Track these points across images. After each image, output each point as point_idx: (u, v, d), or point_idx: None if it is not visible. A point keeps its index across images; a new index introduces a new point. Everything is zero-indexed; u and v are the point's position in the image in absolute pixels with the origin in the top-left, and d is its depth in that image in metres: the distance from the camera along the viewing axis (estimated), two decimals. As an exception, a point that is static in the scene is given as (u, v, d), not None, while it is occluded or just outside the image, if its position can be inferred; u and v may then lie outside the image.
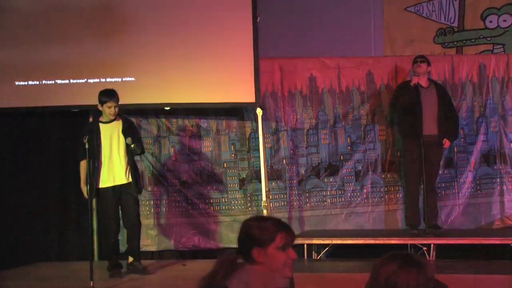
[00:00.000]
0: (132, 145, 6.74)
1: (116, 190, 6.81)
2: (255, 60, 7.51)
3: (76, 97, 7.77)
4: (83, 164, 6.75)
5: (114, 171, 6.77)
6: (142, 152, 7.07)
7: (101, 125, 6.81)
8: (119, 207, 6.91)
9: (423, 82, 7.50)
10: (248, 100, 7.60)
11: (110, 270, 6.89)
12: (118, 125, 6.82)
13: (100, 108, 6.77)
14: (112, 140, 6.78)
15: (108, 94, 6.76)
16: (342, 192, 8.19)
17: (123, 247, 7.17)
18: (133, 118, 7.97)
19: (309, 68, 8.24)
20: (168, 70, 7.65)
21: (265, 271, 2.88)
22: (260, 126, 7.62)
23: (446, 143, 7.55)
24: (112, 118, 6.79)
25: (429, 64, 7.56)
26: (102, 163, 6.76)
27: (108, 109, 6.72)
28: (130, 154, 6.83)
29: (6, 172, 8.17)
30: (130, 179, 6.81)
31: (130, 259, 6.97)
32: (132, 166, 6.86)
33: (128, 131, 6.83)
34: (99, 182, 6.76)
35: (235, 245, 3.04)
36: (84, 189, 6.75)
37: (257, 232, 2.91)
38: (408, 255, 2.54)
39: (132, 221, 6.90)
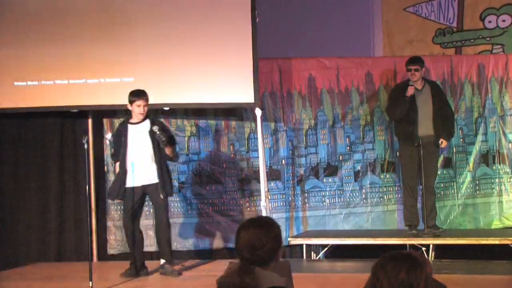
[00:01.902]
0: (158, 132, 6.69)
1: (141, 190, 6.82)
2: (254, 60, 7.51)
3: (75, 98, 7.77)
4: (117, 165, 6.93)
5: (140, 171, 6.78)
6: (172, 151, 6.94)
7: (129, 126, 6.85)
8: (142, 208, 6.98)
9: (417, 84, 7.48)
10: (247, 101, 7.59)
11: (129, 266, 6.91)
12: (146, 126, 6.84)
13: (129, 107, 6.83)
14: (139, 141, 6.80)
15: (137, 93, 6.82)
16: (341, 192, 8.19)
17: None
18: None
19: (308, 68, 8.24)
20: (167, 70, 7.64)
21: (271, 271, 2.92)
22: (259, 127, 7.61)
23: (443, 143, 7.54)
24: (141, 117, 6.82)
25: (422, 67, 7.52)
26: (128, 164, 6.79)
27: (137, 108, 6.77)
28: (160, 156, 6.80)
29: (5, 173, 8.17)
30: (157, 180, 6.80)
31: (162, 260, 6.95)
32: (161, 167, 6.80)
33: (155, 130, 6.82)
34: (125, 182, 6.79)
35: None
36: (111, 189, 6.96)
37: (279, 231, 2.98)
38: (410, 254, 2.56)
39: (158, 222, 6.92)
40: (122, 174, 6.80)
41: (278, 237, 2.96)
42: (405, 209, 7.70)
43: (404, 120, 7.45)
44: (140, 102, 6.76)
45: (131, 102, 6.79)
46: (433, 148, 7.50)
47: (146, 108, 6.81)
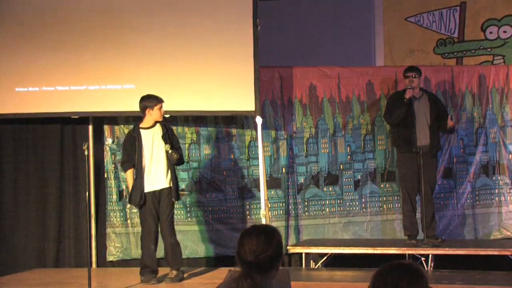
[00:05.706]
0: (170, 151, 6.78)
1: (157, 195, 6.85)
2: (255, 68, 7.52)
3: (76, 104, 7.78)
4: (128, 173, 6.94)
5: (156, 176, 6.83)
6: (180, 161, 7.02)
7: (141, 131, 6.90)
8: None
9: (415, 92, 7.50)
10: (248, 109, 7.60)
11: (143, 274, 6.87)
12: (158, 130, 6.91)
13: (148, 112, 6.86)
14: (153, 145, 6.87)
15: (156, 97, 6.91)
16: (341, 201, 8.19)
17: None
18: (133, 125, 7.98)
19: (309, 77, 8.25)
20: (169, 77, 7.66)
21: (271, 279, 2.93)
22: (260, 135, 7.61)
23: (450, 122, 7.49)
24: (161, 120, 6.90)
25: (420, 76, 7.56)
26: (145, 168, 6.82)
27: (159, 111, 6.87)
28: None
29: (4, 178, 8.16)
30: (171, 184, 6.86)
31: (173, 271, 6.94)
32: (173, 171, 6.92)
33: (168, 137, 6.91)
34: (143, 187, 6.80)
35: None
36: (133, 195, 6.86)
37: (281, 239, 3.01)
38: (411, 265, 2.57)
39: (165, 227, 6.90)
40: (140, 180, 6.81)
41: (280, 245, 2.97)
42: (404, 218, 7.70)
43: (402, 125, 7.46)
44: (162, 105, 6.88)
45: (151, 106, 6.84)
46: (432, 158, 7.51)
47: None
